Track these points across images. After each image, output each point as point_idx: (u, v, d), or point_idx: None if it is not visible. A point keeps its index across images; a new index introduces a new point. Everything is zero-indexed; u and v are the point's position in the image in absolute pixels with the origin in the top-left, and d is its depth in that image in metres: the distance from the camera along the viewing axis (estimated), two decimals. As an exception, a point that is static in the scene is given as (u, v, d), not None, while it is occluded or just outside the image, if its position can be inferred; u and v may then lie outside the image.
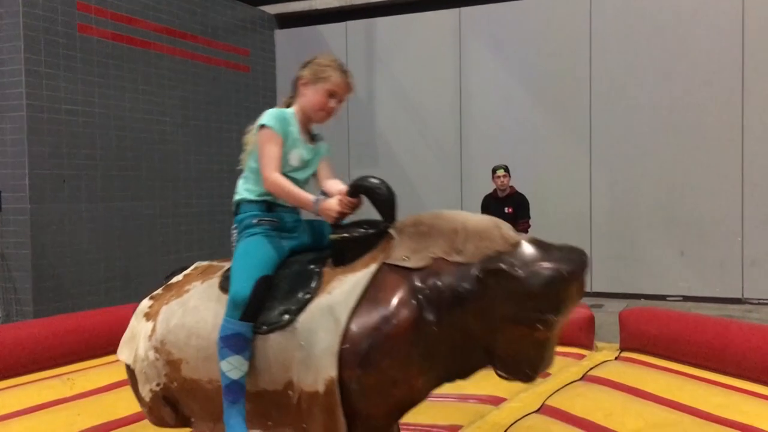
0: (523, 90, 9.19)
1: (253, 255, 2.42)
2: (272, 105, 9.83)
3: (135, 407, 3.45)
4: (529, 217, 6.69)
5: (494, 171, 6.76)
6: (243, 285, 2.33)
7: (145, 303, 2.74)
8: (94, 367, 4.10)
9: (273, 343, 2.30)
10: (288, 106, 2.67)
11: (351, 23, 10.22)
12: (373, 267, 2.26)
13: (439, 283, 2.14)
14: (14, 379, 3.82)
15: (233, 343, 2.29)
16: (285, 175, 2.52)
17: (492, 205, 6.84)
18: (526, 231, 6.66)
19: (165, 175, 8.45)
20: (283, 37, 10.59)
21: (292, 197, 2.48)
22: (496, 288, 2.05)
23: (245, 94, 9.71)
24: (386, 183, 2.38)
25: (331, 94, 2.57)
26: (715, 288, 8.34)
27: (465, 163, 9.52)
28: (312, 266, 2.43)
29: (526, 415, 3.46)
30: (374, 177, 2.40)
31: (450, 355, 2.14)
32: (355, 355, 2.13)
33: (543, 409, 3.53)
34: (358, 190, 2.40)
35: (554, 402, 3.59)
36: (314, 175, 2.70)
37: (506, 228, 2.23)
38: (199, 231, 8.72)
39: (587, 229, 8.92)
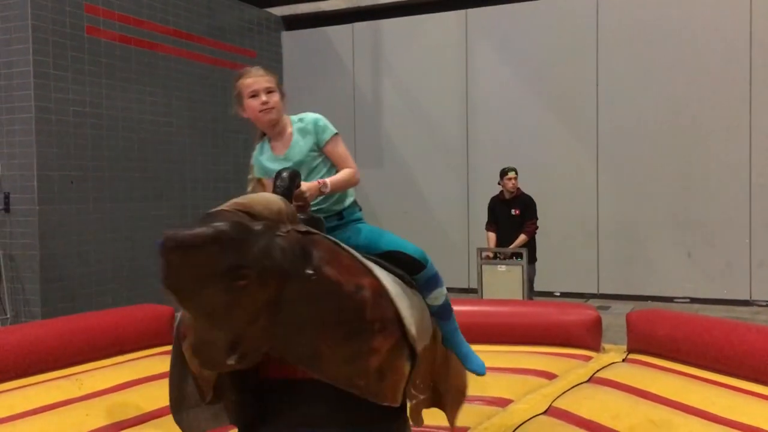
0: (530, 92, 9.19)
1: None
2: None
3: (144, 407, 3.47)
4: (537, 218, 6.68)
5: (505, 173, 6.75)
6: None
7: None
8: (103, 367, 4.11)
9: None
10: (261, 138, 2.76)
11: (357, 25, 10.24)
12: None
13: None
14: (23, 379, 3.83)
15: None
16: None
17: (499, 206, 6.84)
18: (533, 232, 6.65)
19: (172, 176, 8.47)
20: (289, 38, 10.61)
21: None
22: None
23: (252, 96, 9.71)
24: (289, 172, 2.39)
25: (252, 95, 2.61)
26: (723, 290, 8.32)
27: (471, 164, 9.52)
28: None
29: (533, 417, 3.46)
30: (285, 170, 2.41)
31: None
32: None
33: (550, 411, 3.53)
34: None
35: (561, 404, 3.59)
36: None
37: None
38: (206, 232, 8.74)
39: (594, 231, 8.91)
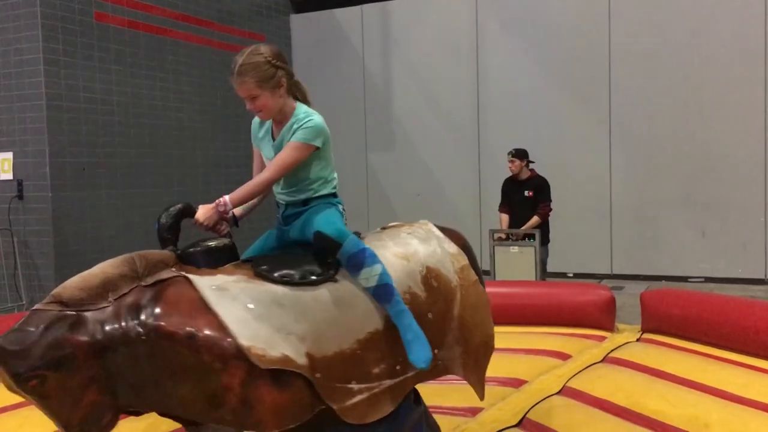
0: (542, 71, 9.10)
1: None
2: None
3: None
4: (550, 200, 6.64)
5: (507, 155, 6.74)
6: None
7: None
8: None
9: None
10: None
11: (366, 6, 10.17)
12: None
13: None
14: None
15: None
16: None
17: (511, 188, 6.80)
18: (547, 214, 6.61)
19: (183, 162, 8.49)
20: (298, 21, 10.56)
21: None
22: None
23: (262, 80, 9.69)
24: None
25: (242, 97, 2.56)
26: (738, 269, 8.26)
27: (483, 146, 9.47)
28: None
29: (547, 397, 3.46)
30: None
31: None
32: None
33: (564, 391, 3.53)
34: None
35: (575, 384, 3.58)
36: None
37: None
38: (218, 217, 8.77)
39: (607, 211, 8.86)
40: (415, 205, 9.46)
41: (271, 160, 2.55)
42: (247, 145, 9.94)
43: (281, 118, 2.55)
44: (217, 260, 2.39)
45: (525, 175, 6.69)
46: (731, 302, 4.25)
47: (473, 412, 3.33)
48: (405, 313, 2.42)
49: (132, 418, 2.93)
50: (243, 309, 2.18)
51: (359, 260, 2.39)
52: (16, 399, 3.34)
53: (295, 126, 2.49)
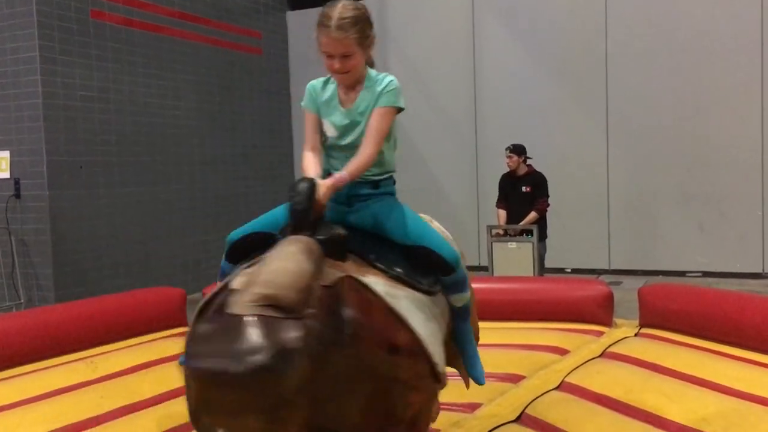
0: (538, 65, 9.10)
1: (265, 214, 2.35)
2: (285, 87, 9.82)
3: (158, 389, 3.50)
4: (548, 196, 6.64)
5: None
6: (238, 231, 2.31)
7: None
8: (116, 350, 4.15)
9: None
10: None
11: (363, 3, 10.14)
12: None
13: None
14: (38, 363, 3.88)
15: (219, 275, 2.34)
16: (332, 146, 2.38)
17: (508, 184, 6.80)
18: (544, 210, 6.62)
19: (180, 159, 8.47)
20: (295, 18, 10.54)
21: None
22: None
23: (258, 77, 9.68)
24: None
25: (327, 55, 2.27)
26: (735, 263, 8.27)
27: (480, 141, 9.47)
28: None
29: (546, 392, 3.46)
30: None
31: None
32: None
33: (562, 386, 3.54)
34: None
35: (573, 379, 3.59)
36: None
37: None
38: (215, 214, 8.76)
39: (605, 206, 8.87)
40: (412, 201, 9.44)
41: (339, 126, 2.34)
42: (243, 143, 9.93)
43: (353, 83, 2.34)
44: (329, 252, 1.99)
45: (522, 170, 6.70)
46: (729, 297, 4.26)
47: (472, 407, 3.34)
48: (471, 332, 2.57)
49: (140, 413, 2.92)
50: (423, 322, 2.06)
51: (461, 286, 2.42)
52: (16, 398, 3.35)
53: (378, 89, 2.31)
